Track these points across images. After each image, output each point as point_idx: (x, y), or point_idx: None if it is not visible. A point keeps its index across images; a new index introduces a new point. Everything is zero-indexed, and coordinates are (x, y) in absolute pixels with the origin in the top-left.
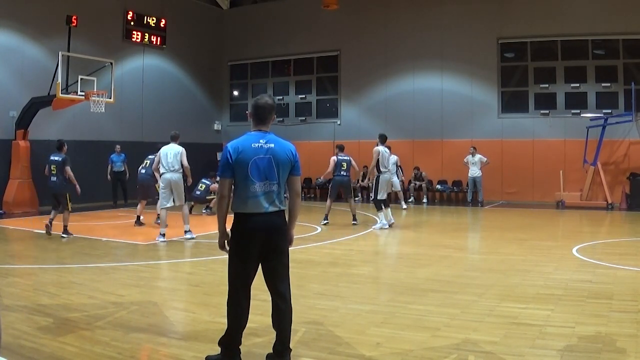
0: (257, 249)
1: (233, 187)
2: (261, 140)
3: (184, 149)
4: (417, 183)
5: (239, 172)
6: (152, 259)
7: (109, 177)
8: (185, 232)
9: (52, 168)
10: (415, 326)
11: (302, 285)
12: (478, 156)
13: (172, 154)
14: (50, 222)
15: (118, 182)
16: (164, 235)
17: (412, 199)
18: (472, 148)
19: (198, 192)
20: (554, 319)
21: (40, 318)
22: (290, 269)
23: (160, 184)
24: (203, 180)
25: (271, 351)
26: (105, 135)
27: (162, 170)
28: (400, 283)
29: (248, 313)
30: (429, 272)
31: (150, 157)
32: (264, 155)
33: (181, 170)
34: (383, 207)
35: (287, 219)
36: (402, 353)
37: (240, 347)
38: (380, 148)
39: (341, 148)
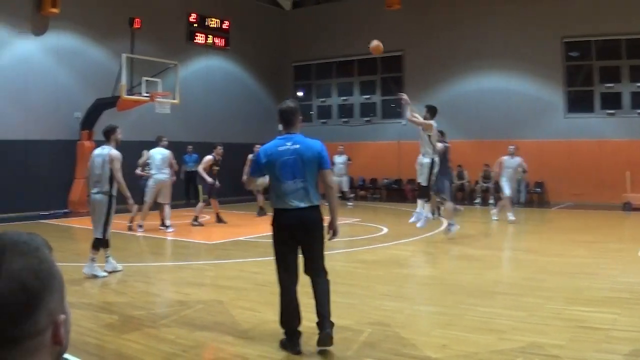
0: (294, 239)
1: (270, 185)
2: (287, 143)
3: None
4: (485, 185)
5: (270, 172)
6: (218, 258)
7: (181, 176)
8: (167, 226)
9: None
10: (481, 328)
11: (368, 286)
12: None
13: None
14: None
15: (190, 181)
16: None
17: (478, 199)
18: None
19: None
20: (620, 323)
21: (106, 315)
22: (356, 270)
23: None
24: None
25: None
26: (170, 136)
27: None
28: (467, 285)
29: (296, 295)
30: (496, 274)
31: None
32: (289, 156)
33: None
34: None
35: (322, 212)
36: (467, 355)
37: (299, 329)
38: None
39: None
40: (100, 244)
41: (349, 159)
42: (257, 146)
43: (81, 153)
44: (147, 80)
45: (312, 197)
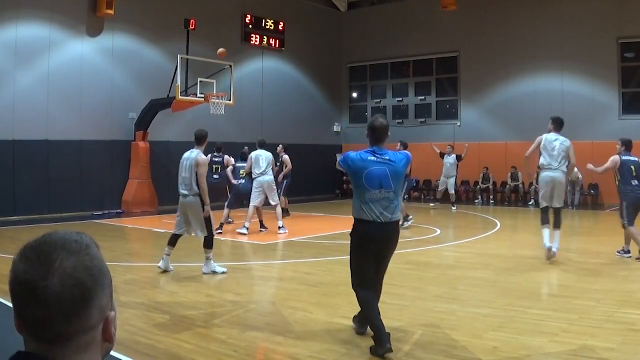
0: (372, 251)
1: (354, 193)
2: (378, 155)
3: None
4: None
5: (355, 180)
6: (270, 259)
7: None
8: (279, 227)
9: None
10: (532, 331)
11: (420, 287)
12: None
13: (263, 158)
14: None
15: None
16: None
17: (532, 201)
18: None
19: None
20: None
21: (157, 315)
22: (409, 271)
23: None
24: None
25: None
26: (224, 137)
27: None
28: (519, 287)
29: (374, 297)
30: (549, 276)
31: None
32: (379, 167)
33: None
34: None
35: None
36: (518, 358)
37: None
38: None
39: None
40: (210, 241)
41: (457, 158)
42: (280, 146)
43: (135, 153)
44: (202, 81)
45: (395, 210)
